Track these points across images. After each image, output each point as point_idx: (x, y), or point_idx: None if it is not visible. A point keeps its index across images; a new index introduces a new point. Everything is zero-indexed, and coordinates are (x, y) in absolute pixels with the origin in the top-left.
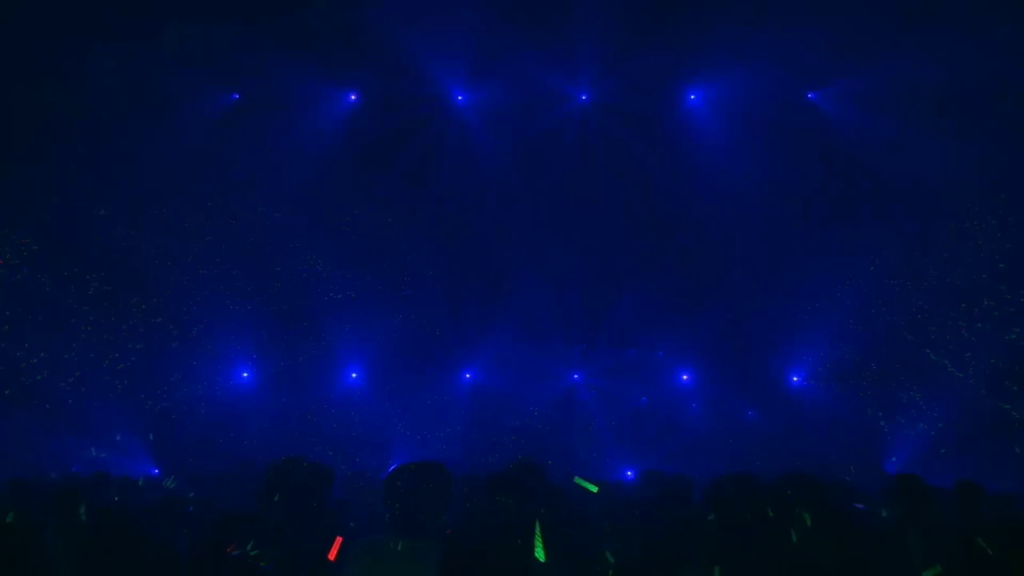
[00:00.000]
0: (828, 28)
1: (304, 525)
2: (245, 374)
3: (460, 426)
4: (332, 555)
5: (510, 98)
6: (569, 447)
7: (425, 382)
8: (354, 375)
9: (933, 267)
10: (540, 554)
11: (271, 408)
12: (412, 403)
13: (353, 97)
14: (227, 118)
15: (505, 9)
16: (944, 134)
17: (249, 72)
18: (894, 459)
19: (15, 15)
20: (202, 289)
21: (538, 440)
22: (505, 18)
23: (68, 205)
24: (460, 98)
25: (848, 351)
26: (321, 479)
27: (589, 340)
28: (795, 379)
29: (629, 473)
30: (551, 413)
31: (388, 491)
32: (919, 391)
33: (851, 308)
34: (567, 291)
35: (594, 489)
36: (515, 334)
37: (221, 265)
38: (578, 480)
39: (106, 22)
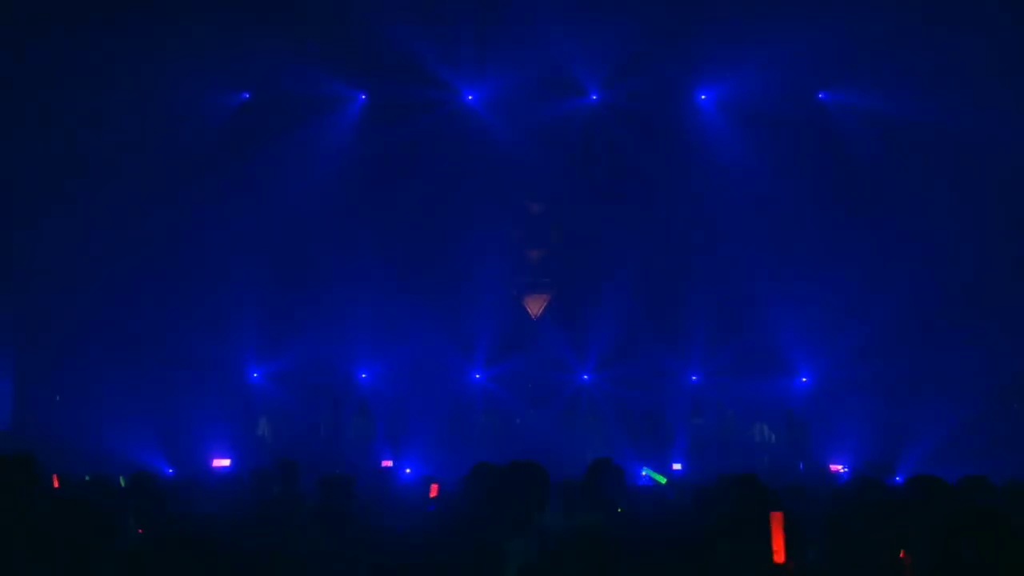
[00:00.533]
0: (839, 27)
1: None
2: (255, 374)
3: (472, 427)
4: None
5: (519, 97)
6: (579, 448)
7: (436, 382)
8: (363, 375)
9: (945, 268)
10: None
11: (279, 408)
12: (423, 403)
13: (363, 97)
14: (236, 117)
15: (511, 8)
16: (956, 133)
17: (259, 71)
18: (905, 461)
19: (24, 15)
20: (209, 289)
21: (548, 441)
22: (512, 17)
23: (72, 205)
24: (471, 97)
25: (859, 351)
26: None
27: (596, 341)
28: (804, 379)
29: (644, 473)
30: (560, 414)
31: (477, 490)
32: (929, 392)
33: (862, 308)
34: (575, 291)
35: (663, 480)
36: (522, 335)
37: (230, 264)
38: (647, 472)
39: (114, 20)
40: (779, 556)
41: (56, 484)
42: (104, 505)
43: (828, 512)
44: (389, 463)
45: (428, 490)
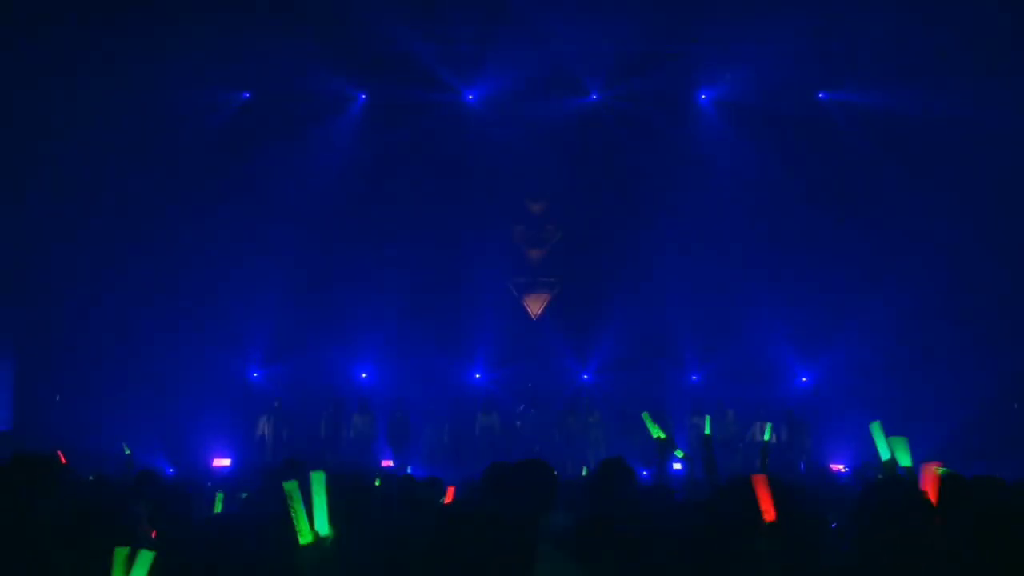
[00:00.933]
0: (839, 27)
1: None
2: (255, 374)
3: (473, 427)
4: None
5: (520, 96)
6: (579, 448)
7: (436, 382)
8: (364, 375)
9: (945, 268)
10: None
11: (280, 408)
12: (424, 403)
13: (363, 97)
14: (236, 117)
15: (512, 8)
16: (956, 133)
17: (259, 71)
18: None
19: (23, 16)
20: (210, 289)
21: (548, 441)
22: (512, 17)
23: (73, 205)
24: (471, 97)
25: (860, 351)
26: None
27: (596, 341)
28: (803, 379)
29: (644, 473)
30: (560, 414)
31: (490, 487)
32: (930, 391)
33: (862, 307)
34: (575, 291)
35: (680, 454)
36: (522, 335)
37: (230, 264)
38: (646, 416)
39: (114, 20)
40: (769, 515)
41: (63, 460)
42: (121, 507)
43: (856, 513)
44: (389, 463)
45: (432, 492)
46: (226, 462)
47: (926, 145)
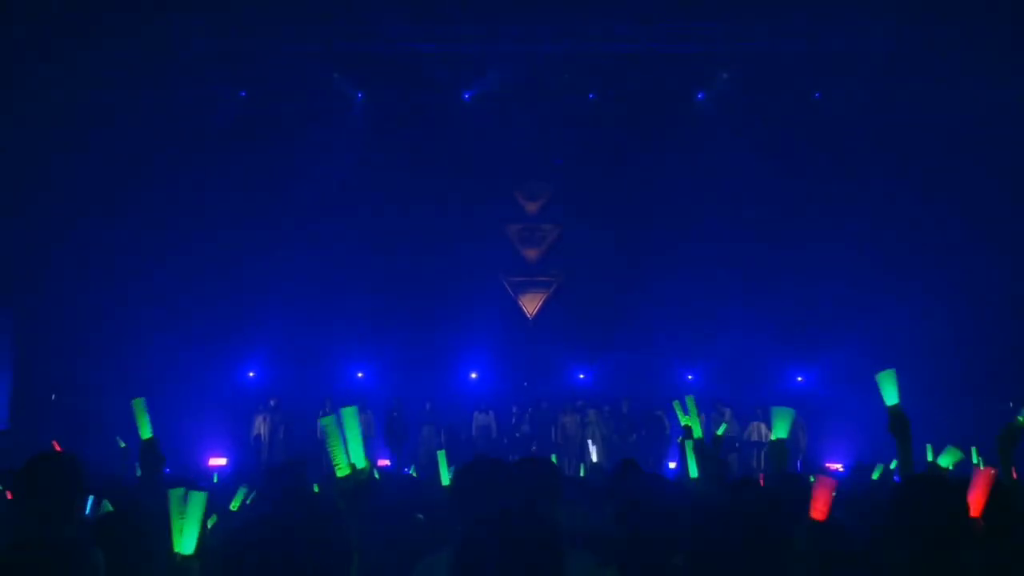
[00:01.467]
0: (839, 27)
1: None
2: (251, 373)
3: (471, 428)
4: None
5: (518, 96)
6: (578, 448)
7: (434, 382)
8: (360, 374)
9: (944, 267)
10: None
11: (276, 407)
12: (421, 403)
13: (360, 96)
14: (233, 116)
15: (510, 8)
16: (957, 132)
17: (256, 70)
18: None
19: (22, 16)
20: (209, 288)
21: (546, 441)
22: (511, 17)
23: (72, 204)
24: (467, 97)
25: (857, 349)
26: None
27: (594, 340)
28: (800, 379)
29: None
30: (559, 415)
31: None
32: (928, 390)
33: (860, 305)
34: (574, 290)
35: (686, 422)
36: (520, 334)
37: (229, 263)
38: (676, 404)
39: (113, 20)
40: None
41: (58, 448)
42: (135, 504)
43: (893, 513)
44: (386, 462)
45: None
46: (222, 461)
47: (924, 145)
